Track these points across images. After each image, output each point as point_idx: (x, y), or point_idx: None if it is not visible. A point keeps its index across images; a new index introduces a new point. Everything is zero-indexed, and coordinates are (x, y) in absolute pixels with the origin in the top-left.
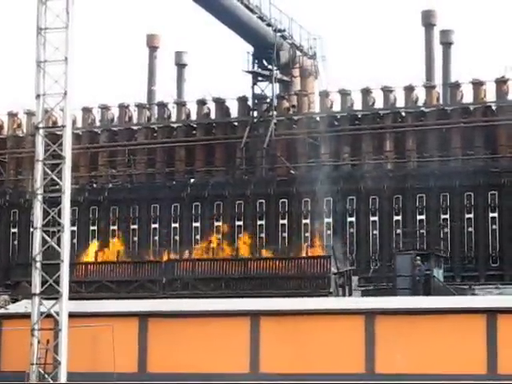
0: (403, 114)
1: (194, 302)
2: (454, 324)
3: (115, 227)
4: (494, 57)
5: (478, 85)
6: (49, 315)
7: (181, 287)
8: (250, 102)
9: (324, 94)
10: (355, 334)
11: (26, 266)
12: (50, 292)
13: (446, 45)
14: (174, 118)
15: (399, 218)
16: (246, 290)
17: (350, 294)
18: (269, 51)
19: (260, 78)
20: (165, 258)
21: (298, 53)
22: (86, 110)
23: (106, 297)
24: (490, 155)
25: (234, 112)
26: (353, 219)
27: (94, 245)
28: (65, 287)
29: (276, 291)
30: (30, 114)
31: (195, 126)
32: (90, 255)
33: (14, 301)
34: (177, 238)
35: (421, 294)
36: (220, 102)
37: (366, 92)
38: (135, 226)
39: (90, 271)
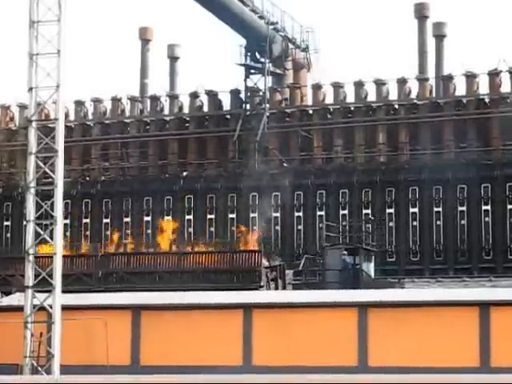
0: (396, 106)
1: (187, 295)
2: (447, 317)
3: (108, 220)
4: (487, 49)
5: (470, 77)
6: (42, 308)
7: (116, 281)
8: (242, 95)
9: (316, 87)
10: (348, 326)
11: (18, 258)
12: (44, 285)
13: (439, 37)
14: (166, 111)
15: (392, 210)
16: (179, 284)
17: (284, 288)
18: (261, 44)
19: (252, 71)
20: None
21: (291, 45)
22: (79, 103)
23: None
24: (483, 148)
25: (226, 105)
26: (345, 212)
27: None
28: (58, 280)
29: (208, 285)
30: (22, 107)
31: (188, 118)
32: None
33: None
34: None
35: (348, 288)
36: (212, 95)
37: (358, 85)
38: (128, 219)
39: None
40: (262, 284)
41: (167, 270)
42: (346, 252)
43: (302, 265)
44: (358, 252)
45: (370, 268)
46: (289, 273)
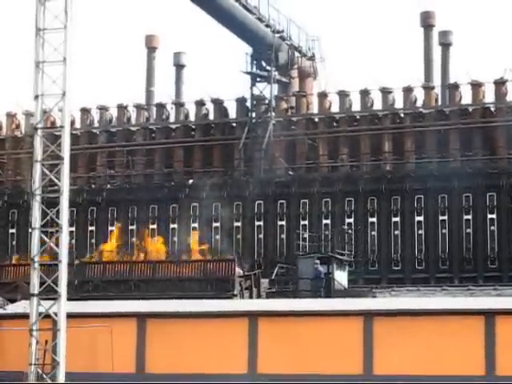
0: (402, 115)
1: (193, 303)
2: (452, 325)
3: (113, 228)
4: (493, 58)
5: (476, 86)
6: (47, 315)
7: (92, 289)
8: (248, 103)
9: (322, 95)
10: (353, 335)
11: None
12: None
13: (445, 46)
14: (172, 118)
15: (397, 219)
16: (154, 292)
17: (259, 297)
18: (267, 52)
19: (258, 79)
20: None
21: (297, 54)
22: (85, 111)
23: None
24: (489, 156)
25: (232, 113)
26: (351, 220)
27: None
28: (63, 287)
29: (183, 293)
30: (28, 114)
31: (193, 126)
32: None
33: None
34: (175, 239)
35: (321, 297)
36: (218, 103)
37: (364, 93)
38: (133, 227)
39: (6, 272)
40: (235, 292)
41: (142, 278)
42: (317, 261)
43: (274, 273)
44: (331, 261)
45: (342, 277)
46: (264, 281)
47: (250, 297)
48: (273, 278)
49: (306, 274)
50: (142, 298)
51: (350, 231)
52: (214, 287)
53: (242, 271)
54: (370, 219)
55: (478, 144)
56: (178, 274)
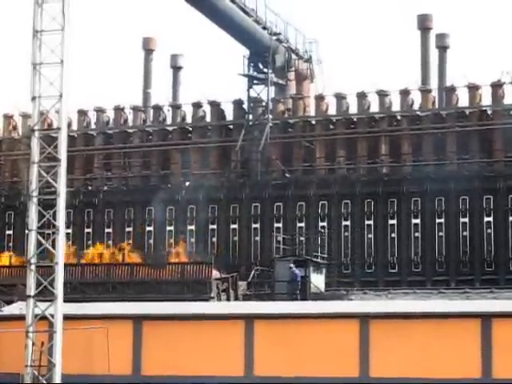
0: (399, 117)
1: (188, 305)
2: (449, 328)
3: (110, 230)
4: (490, 61)
5: (473, 89)
6: (43, 317)
7: (69, 291)
8: (245, 106)
9: (319, 98)
10: (350, 337)
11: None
12: (45, 294)
13: (442, 48)
14: (169, 120)
15: (394, 221)
16: (131, 294)
17: (236, 299)
18: (264, 54)
19: (255, 82)
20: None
21: (294, 56)
22: (82, 113)
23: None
24: (486, 159)
25: (229, 115)
26: (348, 222)
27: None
28: (60, 289)
29: (160, 295)
30: (25, 116)
31: (190, 128)
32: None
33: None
34: (171, 241)
35: (297, 299)
36: (215, 105)
37: (361, 96)
38: (130, 229)
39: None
40: (212, 295)
41: (121, 280)
42: (292, 265)
43: (251, 276)
44: (307, 264)
45: (319, 280)
46: (242, 284)
47: (228, 299)
48: (249, 280)
49: (282, 277)
50: (121, 300)
51: (324, 234)
52: (190, 289)
53: (219, 274)
54: (367, 222)
55: (475, 147)
56: (155, 276)
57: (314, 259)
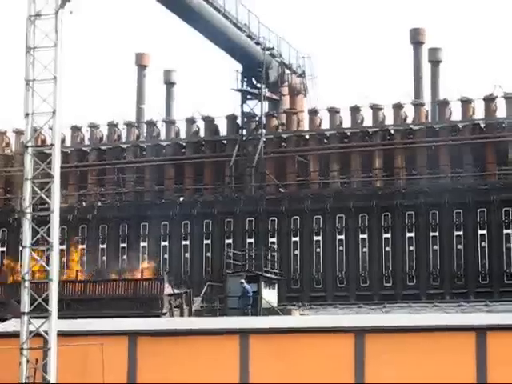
0: (392, 131)
1: (184, 320)
2: (444, 341)
3: (104, 246)
4: (483, 75)
5: (466, 102)
6: (38, 334)
7: None
8: (239, 121)
9: (313, 112)
10: (345, 351)
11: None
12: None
13: (435, 63)
14: (163, 136)
15: (388, 235)
16: (85, 311)
17: (190, 315)
18: (258, 69)
19: (249, 97)
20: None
21: (287, 71)
22: (75, 129)
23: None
24: (479, 173)
25: (222, 130)
26: (342, 237)
27: None
28: (54, 306)
29: (113, 311)
30: (18, 132)
31: (184, 144)
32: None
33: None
34: (166, 256)
35: (248, 314)
36: (209, 121)
37: (354, 110)
38: (124, 245)
39: None
40: (164, 311)
41: (74, 297)
42: (243, 280)
43: (203, 292)
44: (258, 280)
45: (271, 295)
46: (197, 300)
47: (181, 315)
48: (200, 296)
49: (233, 292)
50: (73, 316)
51: (275, 250)
52: (142, 306)
53: (171, 290)
54: (361, 235)
55: (469, 160)
56: (108, 292)
57: (267, 275)
